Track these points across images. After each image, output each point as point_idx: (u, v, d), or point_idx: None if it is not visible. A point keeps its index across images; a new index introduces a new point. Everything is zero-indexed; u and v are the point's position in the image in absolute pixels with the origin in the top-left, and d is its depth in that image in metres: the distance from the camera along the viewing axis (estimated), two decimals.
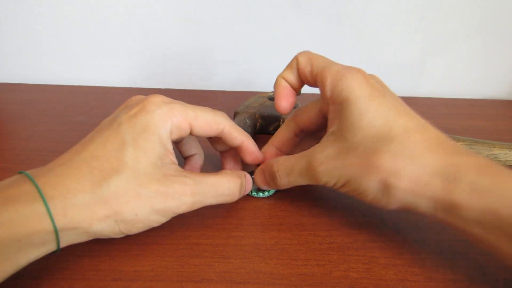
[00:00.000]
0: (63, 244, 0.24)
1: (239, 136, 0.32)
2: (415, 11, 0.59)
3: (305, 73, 0.31)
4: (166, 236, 0.30)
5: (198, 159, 0.35)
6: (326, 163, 0.28)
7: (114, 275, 0.26)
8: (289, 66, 0.32)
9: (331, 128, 0.29)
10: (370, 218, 0.33)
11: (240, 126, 0.39)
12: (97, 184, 0.24)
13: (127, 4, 0.57)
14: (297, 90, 0.33)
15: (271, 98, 0.49)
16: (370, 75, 0.29)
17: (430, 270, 0.27)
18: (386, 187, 0.26)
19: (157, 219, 0.27)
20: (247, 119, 0.44)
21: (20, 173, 0.25)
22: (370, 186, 0.26)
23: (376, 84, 0.28)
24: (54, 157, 0.26)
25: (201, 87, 0.63)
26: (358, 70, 0.29)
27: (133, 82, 0.61)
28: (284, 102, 0.32)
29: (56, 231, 0.23)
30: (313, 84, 0.31)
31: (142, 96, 0.30)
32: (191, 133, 0.30)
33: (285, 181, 0.31)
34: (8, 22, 0.58)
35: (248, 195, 0.35)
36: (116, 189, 0.25)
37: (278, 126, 0.45)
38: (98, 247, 0.28)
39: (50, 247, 0.24)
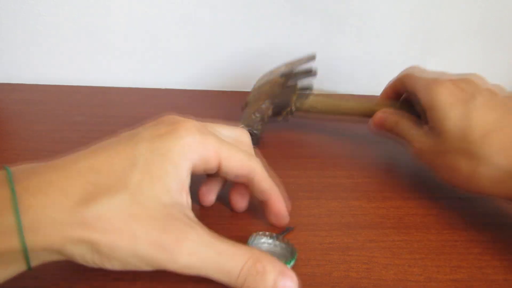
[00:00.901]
0: (35, 263, 0.21)
1: (268, 191, 0.28)
2: (415, 11, 0.59)
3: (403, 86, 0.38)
4: None
5: (218, 182, 0.32)
6: (425, 152, 0.33)
7: (114, 275, 0.26)
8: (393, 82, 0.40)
9: (429, 124, 0.33)
10: (370, 218, 0.33)
11: (249, 126, 0.40)
12: (84, 202, 0.21)
13: (127, 4, 0.57)
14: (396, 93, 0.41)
15: (284, 75, 0.45)
16: (466, 77, 0.32)
17: (430, 270, 0.27)
18: (468, 181, 0.30)
19: (137, 265, 0.22)
20: (256, 113, 0.42)
21: (4, 168, 0.21)
22: (450, 177, 0.32)
23: (462, 92, 0.31)
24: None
25: (202, 87, 0.63)
26: (447, 80, 0.32)
27: (133, 82, 0.61)
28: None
29: (25, 250, 0.20)
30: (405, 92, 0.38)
31: (178, 118, 0.26)
32: (216, 171, 0.27)
33: (396, 130, 0.37)
34: (8, 22, 0.58)
35: None
36: (104, 213, 0.21)
37: (290, 111, 0.44)
38: None
39: (19, 267, 0.21)
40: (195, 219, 0.24)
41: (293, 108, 0.44)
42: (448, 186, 0.37)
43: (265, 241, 0.29)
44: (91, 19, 0.58)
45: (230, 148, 0.26)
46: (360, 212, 0.33)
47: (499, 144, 0.28)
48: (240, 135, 0.29)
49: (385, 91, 0.42)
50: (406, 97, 0.40)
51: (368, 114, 0.41)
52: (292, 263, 0.27)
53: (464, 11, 0.59)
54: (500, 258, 0.29)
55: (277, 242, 0.28)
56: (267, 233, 0.29)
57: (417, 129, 0.35)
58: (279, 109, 0.44)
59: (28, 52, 0.60)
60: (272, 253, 0.26)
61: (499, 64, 0.62)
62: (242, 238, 0.29)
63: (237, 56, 0.61)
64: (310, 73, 0.48)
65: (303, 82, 0.47)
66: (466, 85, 0.31)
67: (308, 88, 0.46)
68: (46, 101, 0.54)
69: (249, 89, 0.61)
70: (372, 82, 0.63)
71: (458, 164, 0.30)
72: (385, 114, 0.39)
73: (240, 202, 0.31)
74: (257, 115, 0.42)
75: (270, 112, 0.44)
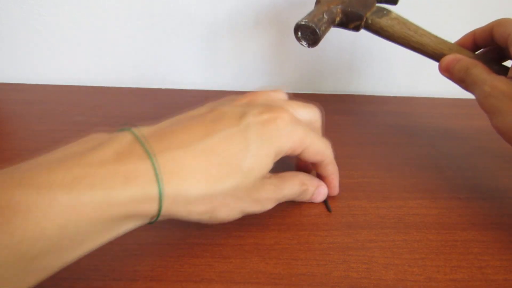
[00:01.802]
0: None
1: (330, 171, 0.34)
2: (415, 10, 0.59)
3: (497, 32, 0.35)
4: (166, 236, 0.30)
5: None
6: (494, 97, 0.32)
7: (114, 275, 0.26)
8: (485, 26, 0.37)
9: (511, 74, 0.32)
10: (370, 218, 0.33)
11: (314, 23, 0.38)
12: (211, 184, 0.25)
13: (127, 4, 0.57)
14: (475, 45, 0.38)
15: None
16: None
17: (430, 270, 0.27)
18: None
19: (238, 217, 0.28)
20: (325, 14, 0.40)
21: (128, 130, 0.25)
22: None
23: None
24: None
25: (203, 87, 0.63)
26: None
27: (133, 82, 0.61)
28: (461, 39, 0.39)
29: (159, 215, 0.24)
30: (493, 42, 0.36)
31: (269, 94, 0.32)
32: (296, 154, 0.31)
33: (463, 74, 0.35)
34: (8, 22, 0.58)
35: None
36: (224, 192, 0.25)
37: (359, 26, 0.42)
38: (98, 247, 0.28)
39: (144, 221, 0.24)
40: (271, 175, 0.30)
41: (363, 24, 0.42)
42: (449, 185, 0.37)
43: None
44: (91, 19, 0.58)
45: (313, 137, 0.30)
46: (360, 212, 0.33)
47: None
48: (314, 116, 0.33)
49: (464, 39, 0.39)
50: (485, 51, 0.38)
51: (438, 56, 0.39)
52: None
53: (464, 10, 0.59)
54: (500, 258, 0.29)
55: None
56: None
57: (491, 74, 0.33)
58: (349, 19, 0.42)
59: (28, 52, 0.60)
60: None
61: None
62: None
63: (237, 56, 0.61)
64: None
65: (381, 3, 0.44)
66: None
67: (385, 10, 0.42)
68: (46, 101, 0.54)
69: (249, 89, 0.61)
70: (372, 82, 0.63)
71: None
72: (457, 58, 0.36)
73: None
74: (326, 16, 0.40)
75: (339, 17, 0.41)
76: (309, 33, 0.38)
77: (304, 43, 0.40)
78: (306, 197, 0.33)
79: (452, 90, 0.61)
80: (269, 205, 0.30)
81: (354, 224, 0.32)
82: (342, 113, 0.45)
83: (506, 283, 0.27)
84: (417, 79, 0.62)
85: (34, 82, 0.61)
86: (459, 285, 0.26)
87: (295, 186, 0.32)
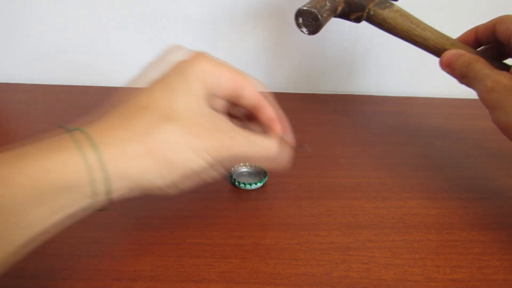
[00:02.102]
0: (115, 194, 0.24)
1: (257, 101, 0.30)
2: (415, 11, 0.59)
3: (499, 29, 0.35)
4: (166, 236, 0.30)
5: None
6: (496, 91, 0.31)
7: (114, 275, 0.26)
8: (487, 22, 0.36)
9: None
10: (370, 218, 0.33)
11: (317, 9, 0.37)
12: (148, 133, 0.24)
13: (127, 5, 0.57)
14: (477, 41, 0.37)
15: None
16: None
17: (429, 270, 0.27)
18: None
19: (194, 159, 0.25)
20: (328, 2, 0.39)
21: (61, 126, 0.25)
22: None
23: None
24: None
25: None
26: None
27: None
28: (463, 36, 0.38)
29: (107, 179, 0.23)
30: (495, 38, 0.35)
31: (182, 47, 0.30)
32: (217, 92, 0.29)
33: (465, 70, 0.34)
34: (8, 22, 0.58)
35: (236, 186, 0.36)
36: (170, 139, 0.24)
37: (361, 17, 0.41)
38: (98, 247, 0.28)
39: (101, 198, 0.23)
40: (227, 118, 0.29)
41: (365, 15, 0.41)
42: (449, 185, 0.37)
43: (244, 169, 0.38)
44: (91, 20, 0.58)
45: (242, 73, 0.29)
46: (360, 212, 0.33)
47: None
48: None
49: (466, 35, 0.39)
50: (486, 49, 0.38)
51: (439, 51, 0.38)
52: (266, 178, 0.36)
53: (464, 10, 0.59)
54: (500, 258, 0.29)
55: (252, 168, 0.38)
56: (245, 164, 0.38)
57: (493, 69, 0.33)
58: (352, 10, 0.41)
59: (28, 52, 0.60)
60: (250, 175, 0.38)
61: None
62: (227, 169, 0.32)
63: (237, 55, 0.61)
64: None
65: None
66: None
67: (388, 2, 0.42)
68: (46, 101, 0.54)
69: None
70: (372, 82, 0.63)
71: None
72: (458, 53, 0.36)
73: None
74: (328, 4, 0.39)
75: (341, 7, 0.40)
76: (310, 19, 0.38)
77: (304, 30, 0.39)
78: (275, 148, 0.29)
79: (452, 90, 0.61)
80: (230, 141, 0.27)
81: (354, 224, 0.32)
82: (342, 113, 0.45)
83: (506, 283, 0.27)
84: (417, 79, 0.62)
85: (34, 82, 0.61)
86: (459, 285, 0.26)
87: (265, 138, 0.29)
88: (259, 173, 0.38)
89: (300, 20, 0.38)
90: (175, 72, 0.27)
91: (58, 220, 0.23)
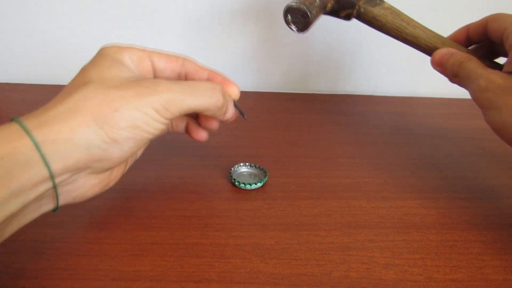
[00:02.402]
0: (55, 165, 0.23)
1: (204, 69, 0.32)
2: (415, 11, 0.59)
3: (491, 28, 0.34)
4: (166, 236, 0.30)
5: (184, 120, 0.35)
6: (489, 91, 0.31)
7: (114, 275, 0.26)
8: (479, 21, 0.36)
9: (507, 67, 0.31)
10: (370, 218, 0.33)
11: (306, 6, 0.37)
12: (68, 96, 0.24)
13: (127, 5, 0.57)
14: (468, 40, 0.37)
15: None
16: None
17: (430, 270, 0.27)
18: None
19: (141, 117, 0.25)
20: None
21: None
22: (507, 122, 0.29)
23: None
24: None
25: None
26: None
27: None
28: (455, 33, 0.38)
29: (35, 144, 0.22)
30: (491, 37, 0.35)
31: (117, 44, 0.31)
32: (154, 70, 0.30)
33: (457, 69, 0.34)
34: (8, 22, 0.58)
35: (236, 186, 0.36)
36: (88, 94, 0.25)
37: (351, 14, 0.41)
38: (98, 247, 0.28)
39: (40, 169, 0.22)
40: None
41: (355, 13, 0.40)
42: (449, 185, 0.37)
43: (244, 169, 0.38)
44: (91, 20, 0.58)
45: (158, 50, 0.30)
46: (360, 212, 0.33)
47: None
48: None
49: (457, 33, 0.38)
50: (477, 47, 0.38)
51: (431, 50, 0.38)
52: (266, 179, 0.36)
53: (464, 10, 0.59)
54: (500, 258, 0.29)
55: (253, 168, 0.38)
56: (245, 163, 0.38)
57: (485, 68, 0.32)
58: (341, 7, 0.41)
59: (28, 52, 0.60)
60: (252, 174, 0.38)
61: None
62: (227, 168, 0.38)
63: (237, 55, 0.61)
64: None
65: None
66: None
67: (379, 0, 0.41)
68: (46, 101, 0.54)
69: (249, 89, 0.61)
70: (371, 82, 0.63)
71: None
72: (450, 52, 0.36)
73: (200, 132, 0.34)
74: (318, 1, 0.39)
75: (331, 4, 0.40)
76: (299, 16, 0.37)
77: (293, 27, 0.38)
78: (221, 97, 0.30)
79: (452, 90, 0.61)
80: (164, 94, 0.26)
81: (354, 224, 0.32)
82: (342, 113, 0.45)
83: (506, 283, 0.27)
84: (417, 79, 0.62)
85: (34, 82, 0.61)
86: (459, 285, 0.26)
87: (200, 82, 0.29)
88: (259, 173, 0.38)
89: (289, 17, 0.38)
90: (93, 58, 0.28)
91: (18, 207, 0.22)
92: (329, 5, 0.40)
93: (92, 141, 0.24)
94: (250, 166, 0.38)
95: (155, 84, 0.26)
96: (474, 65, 0.33)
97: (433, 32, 0.38)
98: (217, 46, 0.60)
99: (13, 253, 0.25)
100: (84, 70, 0.27)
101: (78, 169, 0.25)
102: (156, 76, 0.30)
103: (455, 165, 0.41)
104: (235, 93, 0.33)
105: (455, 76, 0.35)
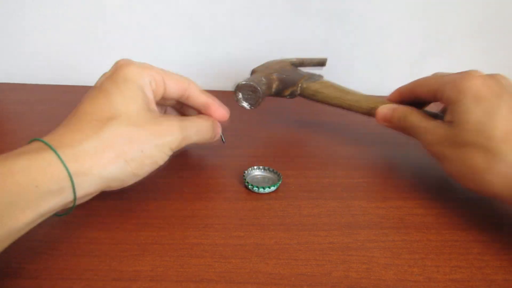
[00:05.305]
0: (79, 192, 0.26)
1: (205, 97, 0.36)
2: (416, 11, 0.59)
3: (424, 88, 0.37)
4: (166, 236, 0.30)
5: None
6: (437, 144, 0.33)
7: (114, 275, 0.26)
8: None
9: (447, 117, 0.33)
10: (370, 218, 0.33)
11: (255, 82, 0.40)
12: (99, 131, 0.27)
13: (126, 5, 0.57)
14: (402, 102, 0.39)
15: (293, 64, 0.47)
16: (494, 75, 0.32)
17: (429, 270, 0.27)
18: (477, 176, 0.30)
19: (160, 155, 0.30)
20: (263, 78, 0.42)
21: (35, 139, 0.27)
22: (461, 171, 0.31)
23: (489, 89, 0.31)
24: None
25: (202, 87, 0.63)
26: (476, 77, 0.32)
27: None
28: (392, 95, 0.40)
29: (70, 176, 0.25)
30: (428, 97, 0.37)
31: (129, 60, 0.33)
32: (165, 90, 0.33)
33: (403, 123, 0.37)
34: (8, 22, 0.58)
35: (250, 190, 0.35)
36: (117, 132, 0.28)
37: (295, 91, 0.44)
38: (98, 247, 0.28)
39: (67, 196, 0.25)
40: (167, 114, 0.34)
41: (298, 89, 0.43)
42: (449, 185, 0.37)
43: (258, 172, 0.38)
44: (91, 20, 0.58)
45: (167, 72, 0.34)
46: (360, 212, 0.33)
47: None
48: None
49: (392, 95, 0.41)
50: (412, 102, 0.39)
51: (372, 110, 0.40)
52: (279, 182, 0.36)
53: (465, 11, 0.59)
54: (500, 258, 0.29)
55: (267, 171, 0.38)
56: (258, 166, 0.38)
57: (429, 121, 0.34)
58: (285, 86, 0.44)
59: (28, 52, 0.60)
60: (265, 178, 0.37)
61: (499, 64, 0.62)
62: (227, 168, 0.39)
63: (237, 56, 0.61)
64: (320, 63, 0.49)
65: (312, 70, 0.47)
66: (494, 83, 0.31)
67: (318, 76, 0.45)
68: (46, 101, 0.54)
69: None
70: (372, 82, 0.63)
71: (473, 157, 0.30)
72: (392, 107, 0.38)
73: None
74: (264, 80, 0.42)
75: (276, 84, 0.43)
76: (250, 92, 0.40)
77: (245, 104, 0.41)
78: (212, 132, 0.36)
79: None
80: (177, 134, 0.31)
81: (354, 224, 0.32)
82: (342, 113, 0.45)
83: (506, 283, 0.27)
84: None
85: (34, 82, 0.61)
86: (459, 285, 0.26)
87: (196, 119, 0.34)
88: (274, 175, 0.38)
89: (240, 95, 0.40)
90: (110, 80, 0.30)
91: (39, 222, 0.25)
92: (275, 85, 0.43)
93: (117, 176, 0.28)
94: (264, 169, 0.38)
95: (171, 125, 0.31)
96: (417, 118, 0.36)
97: (371, 96, 0.42)
98: (218, 46, 0.60)
99: (13, 253, 0.25)
100: (110, 94, 0.29)
101: (95, 193, 0.28)
102: (165, 94, 0.34)
103: None
104: (225, 118, 0.37)
105: (403, 130, 0.37)
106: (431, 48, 0.60)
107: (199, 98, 0.35)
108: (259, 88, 0.39)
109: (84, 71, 0.62)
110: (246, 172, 0.37)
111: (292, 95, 0.44)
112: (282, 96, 0.44)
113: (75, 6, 0.57)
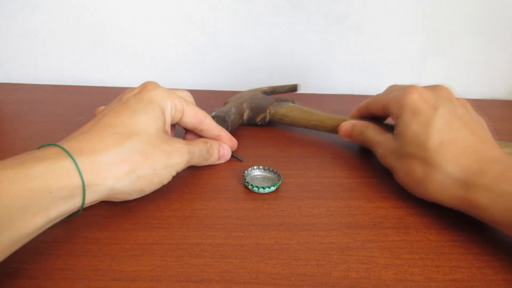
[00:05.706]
0: (87, 200, 0.27)
1: (217, 129, 0.39)
2: (415, 11, 0.59)
3: (374, 107, 0.40)
4: (166, 236, 0.30)
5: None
6: (387, 156, 0.36)
7: (114, 275, 0.26)
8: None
9: (395, 131, 0.35)
10: (370, 218, 0.33)
11: (224, 113, 0.43)
12: (119, 145, 0.28)
13: (127, 5, 0.57)
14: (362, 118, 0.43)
15: (265, 92, 0.51)
16: (434, 87, 0.35)
17: (429, 270, 0.27)
18: (419, 185, 0.32)
19: (167, 175, 0.32)
20: (232, 108, 0.45)
21: (41, 146, 0.27)
22: (406, 181, 0.34)
23: (426, 102, 0.33)
24: None
25: (201, 87, 0.63)
26: (415, 91, 0.34)
27: (132, 82, 0.61)
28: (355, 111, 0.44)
29: (83, 185, 0.26)
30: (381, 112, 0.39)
31: (155, 82, 0.35)
32: (182, 117, 0.35)
33: (361, 137, 0.40)
34: (8, 22, 0.58)
35: (250, 190, 0.35)
36: (136, 148, 0.29)
37: (265, 117, 0.47)
38: (98, 247, 0.28)
39: (76, 203, 0.26)
40: (176, 137, 0.35)
41: (268, 115, 0.47)
42: None
43: (258, 172, 0.38)
44: (91, 20, 0.58)
45: (187, 102, 0.36)
46: (360, 212, 0.33)
47: (451, 154, 0.30)
48: (185, 93, 0.38)
49: (353, 113, 0.44)
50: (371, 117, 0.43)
51: (336, 129, 0.43)
52: (279, 182, 0.36)
53: (464, 10, 0.59)
54: (500, 258, 0.29)
55: (267, 171, 0.38)
56: (258, 166, 0.38)
57: (382, 135, 0.37)
58: (255, 113, 0.47)
59: (28, 52, 0.60)
60: (265, 178, 0.38)
61: (499, 64, 0.62)
62: (227, 168, 0.40)
63: (237, 56, 0.61)
64: (292, 89, 0.53)
65: (283, 97, 0.50)
66: (431, 97, 0.34)
67: (287, 100, 0.48)
68: (46, 101, 0.54)
69: (248, 88, 0.61)
70: (372, 82, 0.63)
71: (414, 168, 0.32)
72: (351, 123, 0.41)
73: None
74: (233, 110, 0.45)
75: (246, 113, 0.47)
76: (220, 122, 0.42)
77: None
78: (214, 156, 0.38)
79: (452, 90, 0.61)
80: (185, 156, 0.33)
81: (354, 224, 0.32)
82: (342, 113, 0.45)
83: (506, 283, 0.27)
84: (418, 79, 0.62)
85: (34, 82, 0.61)
86: (459, 285, 0.26)
87: (200, 144, 0.37)
88: (274, 175, 0.38)
89: None
90: (137, 98, 0.32)
91: (48, 226, 0.25)
92: (245, 114, 0.47)
93: (127, 189, 0.29)
94: (264, 169, 0.38)
95: (181, 148, 0.33)
96: (372, 132, 0.39)
97: (335, 115, 0.45)
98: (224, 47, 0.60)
99: (13, 253, 0.25)
100: (135, 111, 0.31)
101: (98, 201, 0.29)
102: (181, 122, 0.36)
103: None
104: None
105: (362, 143, 0.40)
106: (431, 48, 0.60)
107: (213, 131, 0.38)
108: (227, 118, 0.43)
109: (84, 71, 0.62)
110: (246, 172, 0.37)
111: (263, 121, 0.48)
112: (255, 123, 0.48)
113: (75, 7, 0.57)
